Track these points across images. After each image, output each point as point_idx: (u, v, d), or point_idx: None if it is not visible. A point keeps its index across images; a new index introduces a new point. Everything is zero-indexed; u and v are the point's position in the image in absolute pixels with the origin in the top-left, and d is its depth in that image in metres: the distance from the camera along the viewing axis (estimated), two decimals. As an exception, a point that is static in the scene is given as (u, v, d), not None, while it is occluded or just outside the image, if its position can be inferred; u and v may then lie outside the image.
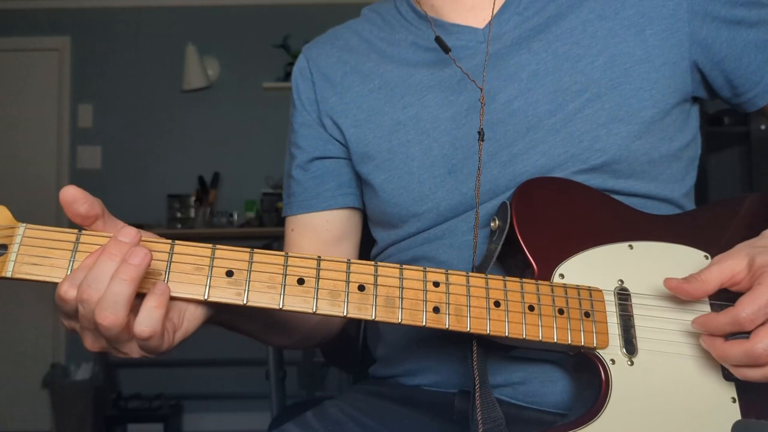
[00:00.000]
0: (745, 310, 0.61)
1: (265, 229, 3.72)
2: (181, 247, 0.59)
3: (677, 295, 0.67)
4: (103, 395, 3.53)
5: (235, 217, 3.94)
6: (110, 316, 0.54)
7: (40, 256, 0.57)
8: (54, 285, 0.56)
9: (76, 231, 0.58)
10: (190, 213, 3.89)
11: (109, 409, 3.53)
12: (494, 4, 0.83)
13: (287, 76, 3.91)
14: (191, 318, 0.62)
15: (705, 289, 0.65)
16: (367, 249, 0.97)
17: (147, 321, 0.55)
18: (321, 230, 0.92)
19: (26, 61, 4.05)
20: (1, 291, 3.78)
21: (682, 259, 0.72)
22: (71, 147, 4.00)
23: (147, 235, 0.60)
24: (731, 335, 0.63)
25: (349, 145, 0.87)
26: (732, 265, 0.65)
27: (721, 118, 2.99)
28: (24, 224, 0.58)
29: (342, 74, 0.89)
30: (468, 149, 0.79)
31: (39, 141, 4.01)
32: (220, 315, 0.66)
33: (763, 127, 2.95)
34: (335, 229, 0.92)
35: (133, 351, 0.59)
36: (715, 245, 0.73)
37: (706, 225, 0.76)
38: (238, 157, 3.99)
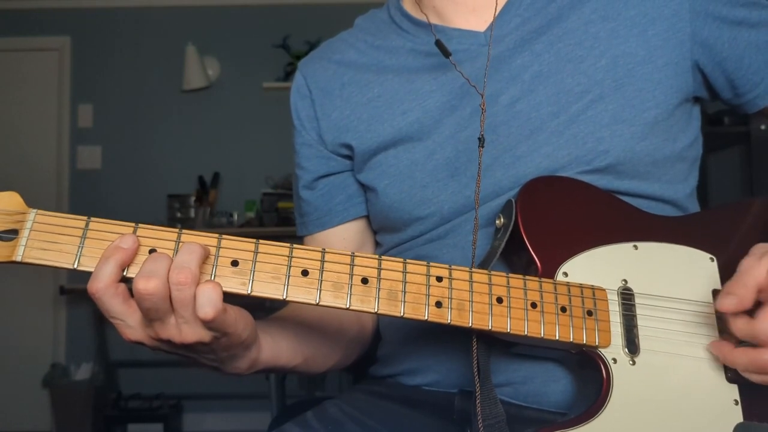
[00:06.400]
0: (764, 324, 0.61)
1: (265, 229, 3.70)
2: (187, 236, 0.60)
3: (736, 310, 0.62)
4: (103, 395, 3.53)
5: (235, 217, 3.93)
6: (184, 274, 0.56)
7: (49, 241, 0.58)
8: (61, 270, 0.58)
9: (85, 218, 0.59)
10: (190, 213, 3.88)
11: (109, 409, 3.53)
12: (496, 5, 0.82)
13: (287, 76, 3.91)
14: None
15: (749, 294, 0.62)
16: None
17: (208, 301, 0.56)
18: (339, 246, 0.91)
19: (26, 61, 4.04)
20: (1, 291, 3.78)
21: (687, 261, 0.72)
22: (71, 147, 3.99)
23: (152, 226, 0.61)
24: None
25: (353, 154, 0.87)
26: (766, 264, 0.62)
27: (721, 118, 2.99)
28: (35, 210, 0.59)
29: (340, 86, 0.89)
30: (471, 153, 0.78)
31: (39, 141, 4.00)
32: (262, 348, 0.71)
33: (763, 127, 2.95)
34: (352, 239, 0.92)
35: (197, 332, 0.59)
36: (720, 248, 0.72)
37: (712, 227, 0.76)
38: (238, 157, 3.99)
